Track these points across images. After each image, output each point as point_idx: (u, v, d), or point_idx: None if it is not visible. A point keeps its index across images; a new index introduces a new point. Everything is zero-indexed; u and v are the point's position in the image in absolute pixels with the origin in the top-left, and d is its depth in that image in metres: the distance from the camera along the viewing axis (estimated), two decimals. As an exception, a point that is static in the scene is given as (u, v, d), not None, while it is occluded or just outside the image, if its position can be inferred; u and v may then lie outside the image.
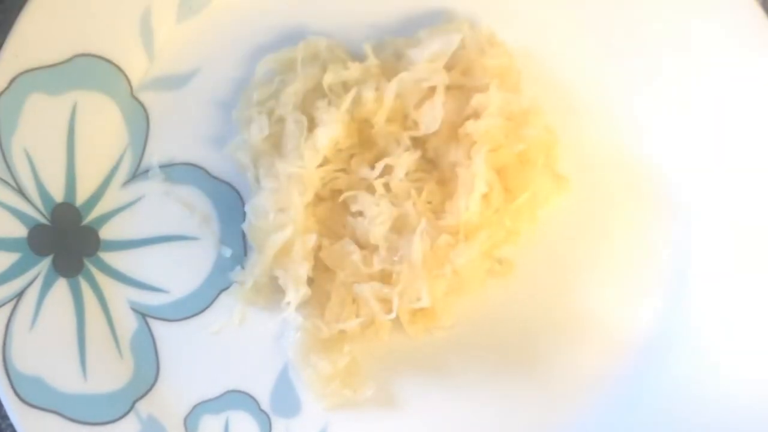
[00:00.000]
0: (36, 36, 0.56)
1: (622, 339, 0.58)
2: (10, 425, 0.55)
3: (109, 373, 0.57)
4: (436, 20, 0.60)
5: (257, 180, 0.58)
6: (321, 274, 0.58)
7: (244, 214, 0.58)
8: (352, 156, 0.58)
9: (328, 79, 0.57)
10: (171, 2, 0.59)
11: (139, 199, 0.60)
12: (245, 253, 0.59)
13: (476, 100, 0.56)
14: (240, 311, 0.59)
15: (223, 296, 0.59)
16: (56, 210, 0.58)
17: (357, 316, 0.56)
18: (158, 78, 0.60)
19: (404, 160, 0.56)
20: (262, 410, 0.58)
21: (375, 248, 0.56)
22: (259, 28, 0.60)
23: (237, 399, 0.58)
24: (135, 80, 0.60)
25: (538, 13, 0.60)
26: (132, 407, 0.57)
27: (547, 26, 0.60)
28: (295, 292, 0.56)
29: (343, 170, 0.58)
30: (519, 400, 0.58)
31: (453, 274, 0.56)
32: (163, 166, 0.60)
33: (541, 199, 0.58)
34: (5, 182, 0.56)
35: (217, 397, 0.58)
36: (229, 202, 0.60)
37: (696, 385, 0.56)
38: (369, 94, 0.56)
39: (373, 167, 0.57)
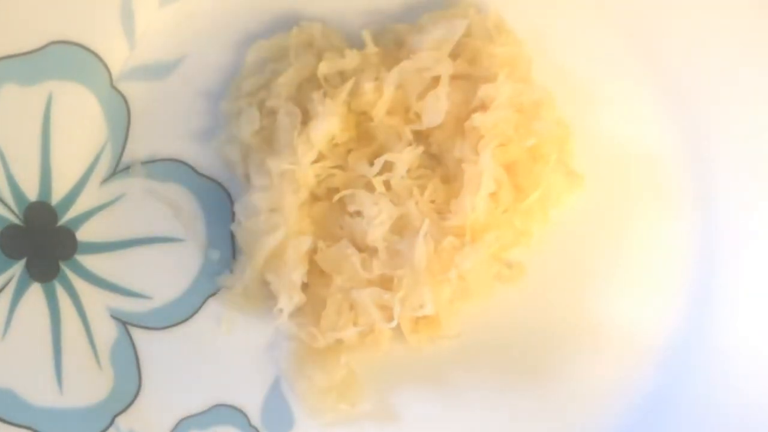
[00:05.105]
0: (7, 21, 0.55)
1: (641, 348, 0.58)
2: (-19, 441, 0.55)
3: (87, 386, 0.57)
4: (440, 5, 0.59)
5: (247, 177, 0.58)
6: (316, 278, 0.57)
7: (233, 214, 0.58)
8: (349, 151, 0.57)
9: (324, 68, 0.56)
10: (154, -16, 0.59)
11: (119, 198, 0.58)
12: (234, 256, 0.59)
13: (483, 91, 0.55)
14: (228, 319, 0.58)
15: (211, 303, 0.58)
16: (30, 209, 0.57)
17: (355, 324, 0.56)
18: (140, 67, 0.59)
19: (406, 156, 0.55)
20: (252, 425, 0.57)
21: (374, 251, 0.56)
22: (250, 13, 0.59)
23: (225, 413, 0.57)
24: (115, 69, 0.58)
25: (549, -3, 0.61)
26: (112, 423, 0.56)
27: (559, 12, 0.59)
28: (289, 299, 0.55)
29: (340, 167, 0.57)
30: (529, 414, 0.57)
31: (458, 279, 0.55)
32: (145, 163, 0.59)
33: (554, 198, 0.57)
34: (-26, 180, 0.56)
35: (203, 412, 0.57)
36: (217, 201, 0.59)
37: (721, 398, 0.56)
38: (368, 85, 0.56)
39: (372, 163, 0.56)
